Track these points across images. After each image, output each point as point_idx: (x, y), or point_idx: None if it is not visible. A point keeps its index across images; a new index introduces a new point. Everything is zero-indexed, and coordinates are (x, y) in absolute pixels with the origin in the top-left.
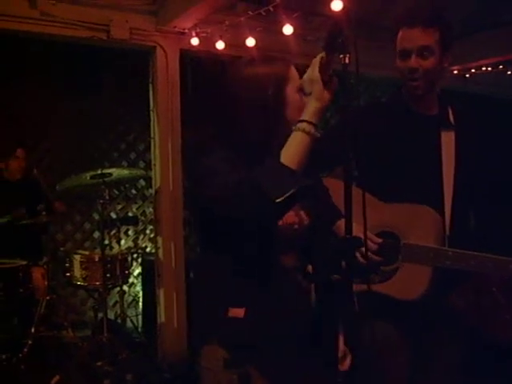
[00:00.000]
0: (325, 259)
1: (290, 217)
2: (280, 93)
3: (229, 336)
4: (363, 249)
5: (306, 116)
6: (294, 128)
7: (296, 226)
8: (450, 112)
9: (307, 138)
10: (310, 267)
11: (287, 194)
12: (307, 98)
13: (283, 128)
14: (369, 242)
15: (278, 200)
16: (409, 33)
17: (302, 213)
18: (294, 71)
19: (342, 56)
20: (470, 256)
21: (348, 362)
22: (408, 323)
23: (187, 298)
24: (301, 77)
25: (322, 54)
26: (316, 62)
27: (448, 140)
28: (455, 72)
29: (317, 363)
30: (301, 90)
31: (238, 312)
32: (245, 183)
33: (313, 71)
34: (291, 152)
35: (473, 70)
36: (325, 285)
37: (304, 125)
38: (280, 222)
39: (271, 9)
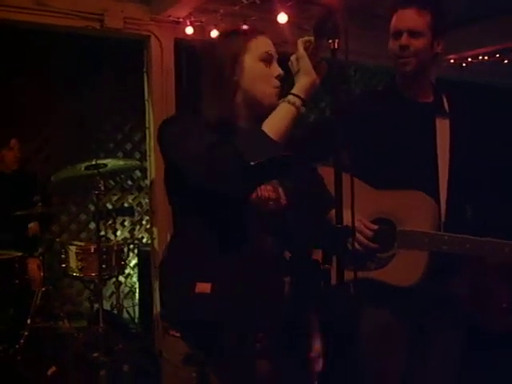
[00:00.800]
0: (309, 248)
1: (265, 191)
2: (236, 63)
3: (193, 315)
4: (357, 236)
5: (294, 90)
6: (280, 100)
7: (271, 203)
8: (445, 100)
9: (293, 110)
10: (287, 254)
11: (263, 160)
12: (295, 75)
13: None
14: (364, 229)
15: (252, 163)
16: (402, 13)
17: (280, 190)
18: (260, 41)
19: (330, 41)
20: (465, 240)
21: (321, 362)
22: (405, 310)
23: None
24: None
25: (308, 38)
26: (300, 41)
27: (443, 127)
28: (452, 61)
29: (288, 362)
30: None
31: (205, 287)
32: (218, 146)
33: (298, 50)
34: (274, 122)
35: (469, 59)
36: (303, 274)
37: (290, 97)
38: (254, 195)
39: None
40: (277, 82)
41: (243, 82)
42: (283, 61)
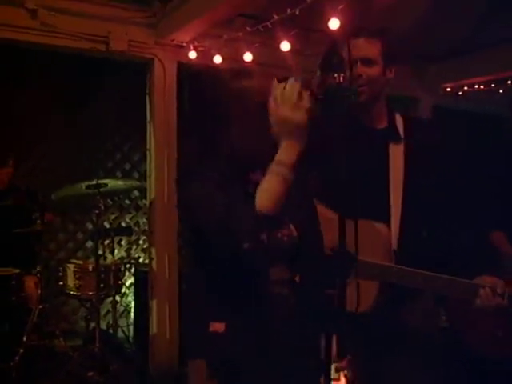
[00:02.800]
0: (315, 273)
1: (280, 230)
2: (265, 106)
3: (210, 352)
4: None
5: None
6: (269, 168)
7: (285, 239)
8: (402, 123)
9: (281, 181)
10: (297, 277)
11: (248, 246)
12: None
13: (269, 141)
14: None
15: (245, 246)
16: (354, 43)
17: (291, 225)
18: (275, 84)
19: (336, 75)
20: (414, 274)
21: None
22: (360, 335)
23: (180, 309)
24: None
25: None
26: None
27: (396, 153)
28: (448, 89)
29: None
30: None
31: (219, 327)
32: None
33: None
34: (265, 195)
35: (465, 88)
36: (312, 297)
37: (276, 167)
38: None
39: (269, 25)
40: None
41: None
42: None
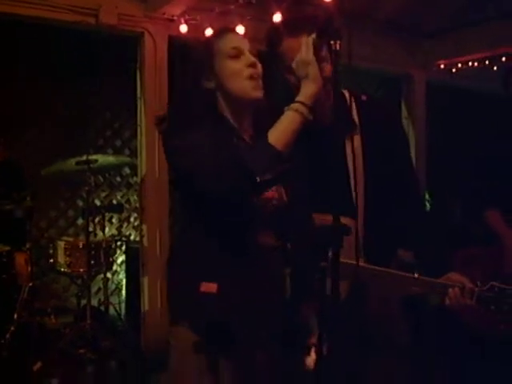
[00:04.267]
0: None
1: (269, 192)
2: (208, 69)
3: (201, 313)
4: None
5: (301, 97)
6: (286, 108)
7: (274, 202)
8: (354, 108)
9: (299, 119)
10: (289, 246)
11: (268, 177)
12: (302, 80)
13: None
14: None
15: (258, 179)
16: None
17: (282, 189)
18: (227, 39)
19: (333, 42)
20: (382, 273)
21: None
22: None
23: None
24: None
25: (314, 36)
26: (309, 43)
27: (355, 141)
28: (442, 66)
29: (290, 353)
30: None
31: (211, 287)
32: (225, 158)
33: (307, 53)
34: (280, 132)
35: (459, 65)
36: (302, 266)
37: (297, 105)
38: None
39: None
40: (249, 71)
41: (220, 84)
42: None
